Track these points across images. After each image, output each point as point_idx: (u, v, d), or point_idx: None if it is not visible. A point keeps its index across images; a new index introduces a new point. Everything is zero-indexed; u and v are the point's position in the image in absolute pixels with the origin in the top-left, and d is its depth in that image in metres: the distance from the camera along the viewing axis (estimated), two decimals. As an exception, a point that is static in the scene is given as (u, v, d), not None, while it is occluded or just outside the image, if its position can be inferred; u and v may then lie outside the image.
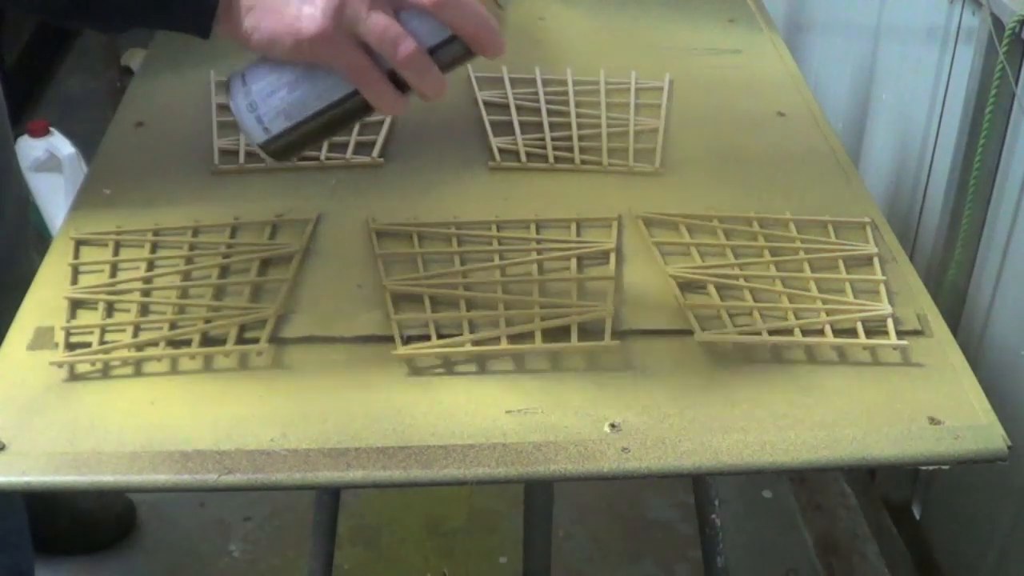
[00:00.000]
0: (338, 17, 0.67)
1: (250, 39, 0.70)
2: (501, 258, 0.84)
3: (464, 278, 0.81)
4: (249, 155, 0.96)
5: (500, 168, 0.96)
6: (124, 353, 0.74)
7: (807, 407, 0.70)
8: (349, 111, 0.72)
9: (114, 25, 0.76)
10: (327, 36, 0.67)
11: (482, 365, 0.74)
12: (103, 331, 0.76)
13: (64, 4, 0.74)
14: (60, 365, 0.73)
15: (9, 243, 1.07)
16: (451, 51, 0.69)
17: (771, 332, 0.76)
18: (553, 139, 0.99)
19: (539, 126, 1.01)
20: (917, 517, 1.43)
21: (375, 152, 0.97)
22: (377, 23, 0.67)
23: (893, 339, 0.76)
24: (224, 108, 1.03)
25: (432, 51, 0.69)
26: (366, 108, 0.71)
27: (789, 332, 0.76)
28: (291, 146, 0.73)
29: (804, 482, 1.59)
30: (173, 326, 0.76)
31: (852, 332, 0.77)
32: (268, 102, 0.71)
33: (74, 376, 0.72)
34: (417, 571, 1.45)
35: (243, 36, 0.70)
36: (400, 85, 0.69)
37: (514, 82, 1.07)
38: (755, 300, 0.79)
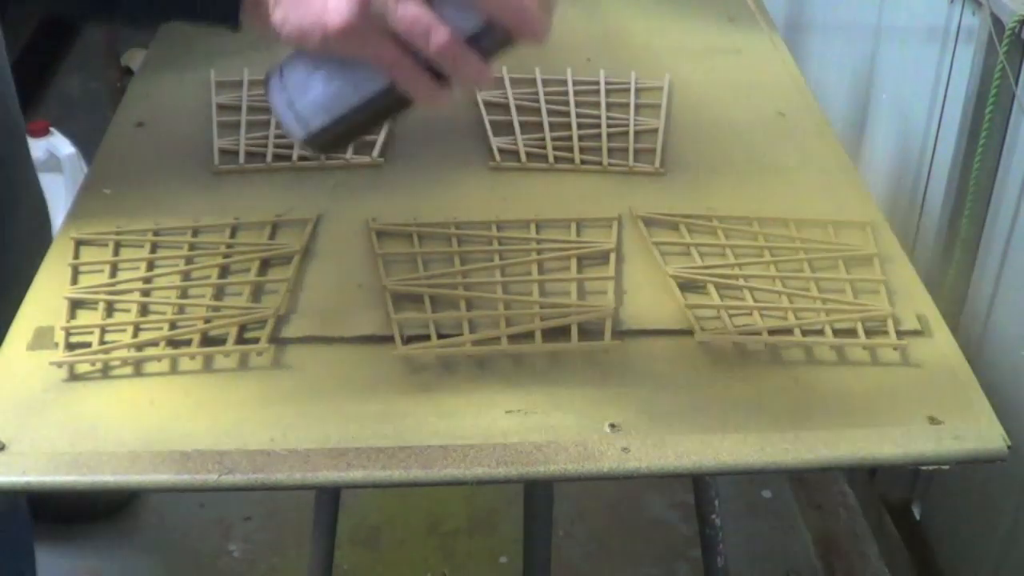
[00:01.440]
0: (365, 8, 0.64)
1: (280, 32, 0.68)
2: (501, 258, 0.84)
3: (464, 278, 0.81)
4: (249, 155, 0.96)
5: (500, 168, 0.96)
6: (124, 353, 0.74)
7: (807, 407, 0.70)
8: (390, 103, 0.69)
9: (142, 21, 0.73)
10: (355, 28, 0.64)
11: (482, 365, 0.74)
12: (103, 331, 0.76)
13: (91, 2, 0.73)
14: (60, 365, 0.73)
15: (19, 255, 0.97)
16: (491, 37, 0.65)
17: (771, 332, 0.76)
18: (553, 139, 0.99)
19: (539, 126, 1.01)
20: (917, 517, 1.43)
21: (375, 152, 0.97)
22: (407, 13, 0.64)
23: (893, 339, 0.76)
24: (224, 108, 1.03)
25: (471, 39, 0.65)
26: (407, 100, 0.68)
27: (789, 332, 0.76)
28: (334, 140, 0.71)
29: (804, 482, 1.58)
30: (173, 326, 0.76)
31: (852, 332, 0.77)
32: (305, 97, 0.68)
33: (74, 376, 0.72)
34: (417, 571, 1.45)
35: (273, 29, 0.68)
36: (442, 75, 0.66)
37: (514, 82, 1.07)
38: (755, 300, 0.79)
